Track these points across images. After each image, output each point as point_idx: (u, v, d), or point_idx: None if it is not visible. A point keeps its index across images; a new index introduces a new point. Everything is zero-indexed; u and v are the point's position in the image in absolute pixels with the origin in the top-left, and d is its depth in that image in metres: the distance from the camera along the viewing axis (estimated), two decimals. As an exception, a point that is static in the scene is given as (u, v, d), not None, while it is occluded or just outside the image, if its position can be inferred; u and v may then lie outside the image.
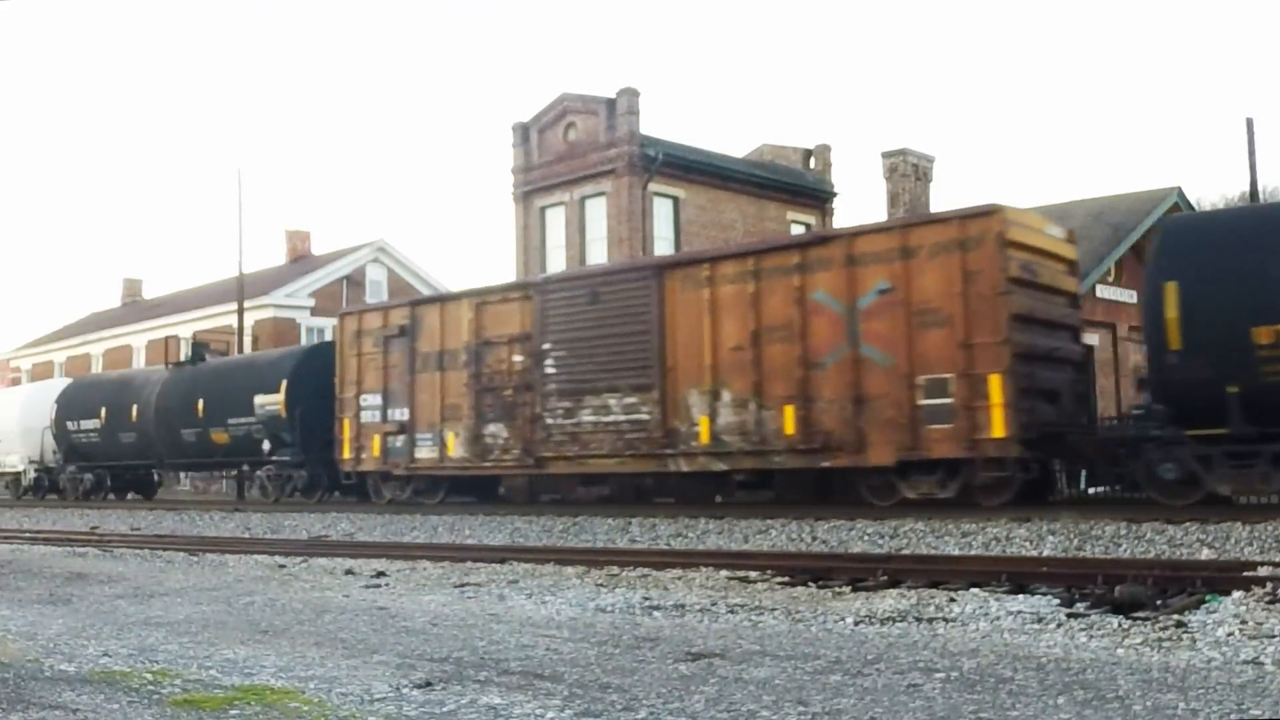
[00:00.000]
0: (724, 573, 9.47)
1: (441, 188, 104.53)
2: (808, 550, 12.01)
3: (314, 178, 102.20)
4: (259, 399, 23.86)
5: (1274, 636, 5.74)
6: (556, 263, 28.99)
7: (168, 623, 7.09)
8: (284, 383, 23.47)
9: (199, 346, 28.93)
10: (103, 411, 28.55)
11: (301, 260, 43.72)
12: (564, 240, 28.92)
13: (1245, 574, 7.80)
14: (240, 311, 33.14)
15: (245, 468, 26.33)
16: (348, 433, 21.56)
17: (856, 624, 6.66)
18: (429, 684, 4.82)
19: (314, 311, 38.67)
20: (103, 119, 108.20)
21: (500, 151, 39.59)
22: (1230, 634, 5.86)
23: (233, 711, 4.26)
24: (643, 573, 9.80)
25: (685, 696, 4.52)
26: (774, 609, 7.32)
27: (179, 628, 6.84)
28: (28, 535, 17.72)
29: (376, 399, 21.08)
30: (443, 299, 21.30)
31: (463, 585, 9.22)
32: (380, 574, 10.33)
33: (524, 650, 5.75)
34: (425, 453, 20.21)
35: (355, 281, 40.41)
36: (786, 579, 9.01)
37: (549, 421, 18.20)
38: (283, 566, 11.57)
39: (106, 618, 7.39)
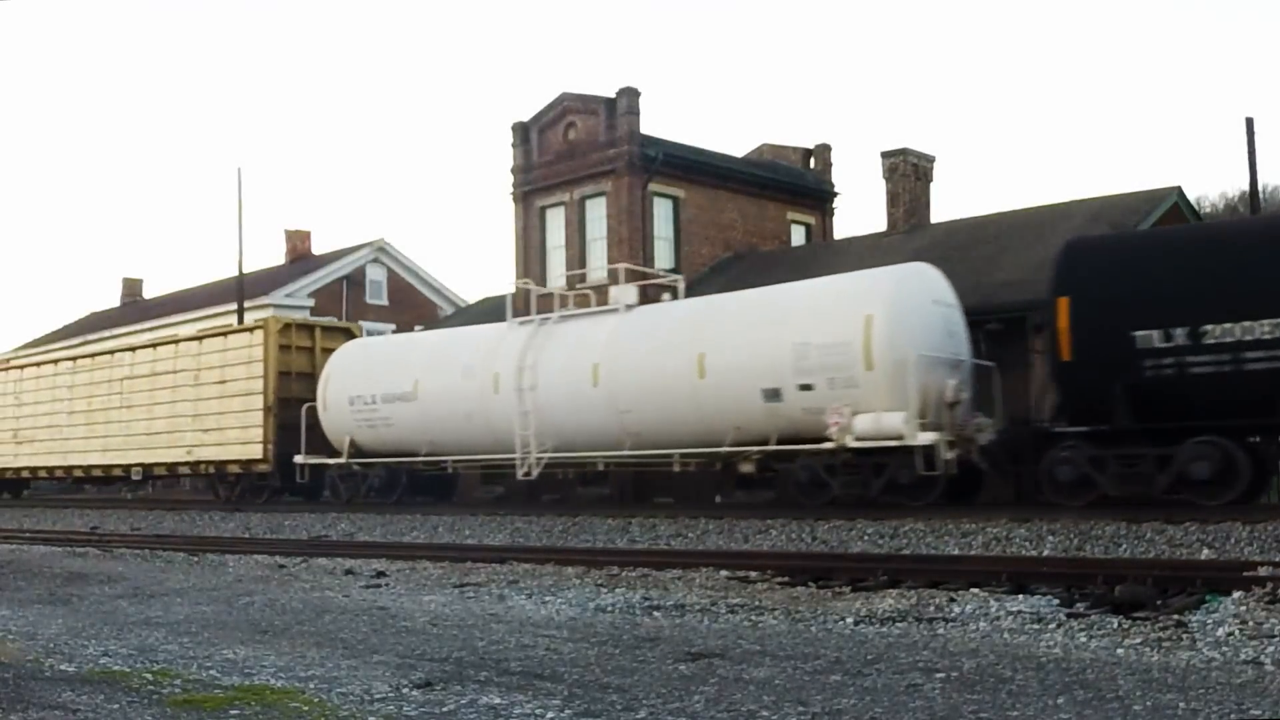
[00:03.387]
0: (724, 573, 9.47)
1: (441, 188, 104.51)
2: (808, 550, 12.01)
3: (314, 178, 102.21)
4: None
5: (1274, 636, 5.74)
6: (556, 263, 28.99)
7: (168, 623, 7.09)
8: None
9: None
10: None
11: (301, 260, 43.69)
12: (564, 240, 28.91)
13: (1245, 574, 7.80)
14: (240, 311, 33.10)
15: None
16: None
17: (856, 624, 6.66)
18: (429, 684, 4.82)
19: (314, 311, 38.64)
20: (102, 119, 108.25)
21: (500, 151, 39.63)
22: (1230, 634, 5.86)
23: (233, 711, 4.26)
24: (643, 573, 9.79)
25: (685, 696, 4.52)
26: (774, 609, 7.32)
27: (179, 628, 6.84)
28: (27, 535, 17.71)
29: None
30: None
31: (463, 585, 9.22)
32: (380, 574, 10.34)
33: (524, 650, 5.75)
34: None
35: (355, 281, 40.40)
36: (786, 579, 9.00)
37: None
38: (283, 566, 11.57)
39: (106, 618, 7.39)
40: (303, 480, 22.17)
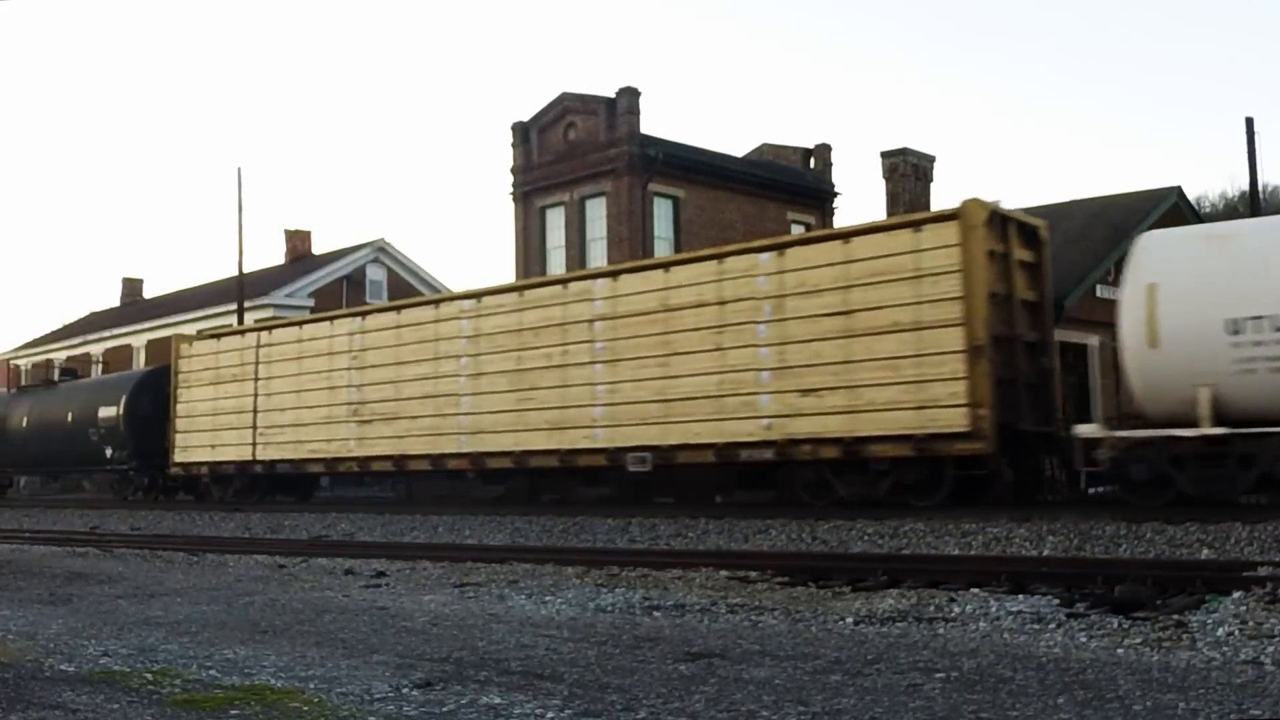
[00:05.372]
0: (724, 573, 9.46)
1: (441, 188, 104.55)
2: (808, 550, 12.00)
3: (314, 178, 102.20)
4: None
5: (1274, 636, 5.74)
6: (557, 263, 29.00)
7: (168, 623, 7.08)
8: None
9: None
10: None
11: (301, 260, 43.70)
12: (564, 240, 28.91)
13: (1245, 574, 7.80)
14: (240, 311, 33.11)
15: None
16: None
17: (856, 624, 6.66)
18: (429, 684, 4.82)
19: (314, 311, 38.68)
20: (102, 119, 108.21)
21: (500, 151, 39.59)
22: (1230, 634, 5.85)
23: (233, 711, 4.26)
24: (643, 573, 9.79)
25: (685, 696, 4.52)
26: (774, 609, 7.31)
27: (179, 628, 6.83)
28: (27, 535, 17.71)
29: None
30: None
31: (463, 585, 9.22)
32: (380, 574, 10.33)
33: (524, 650, 5.75)
34: None
35: (355, 281, 40.41)
36: (786, 579, 9.00)
37: None
38: (283, 566, 11.57)
39: (106, 618, 7.38)
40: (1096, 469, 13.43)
